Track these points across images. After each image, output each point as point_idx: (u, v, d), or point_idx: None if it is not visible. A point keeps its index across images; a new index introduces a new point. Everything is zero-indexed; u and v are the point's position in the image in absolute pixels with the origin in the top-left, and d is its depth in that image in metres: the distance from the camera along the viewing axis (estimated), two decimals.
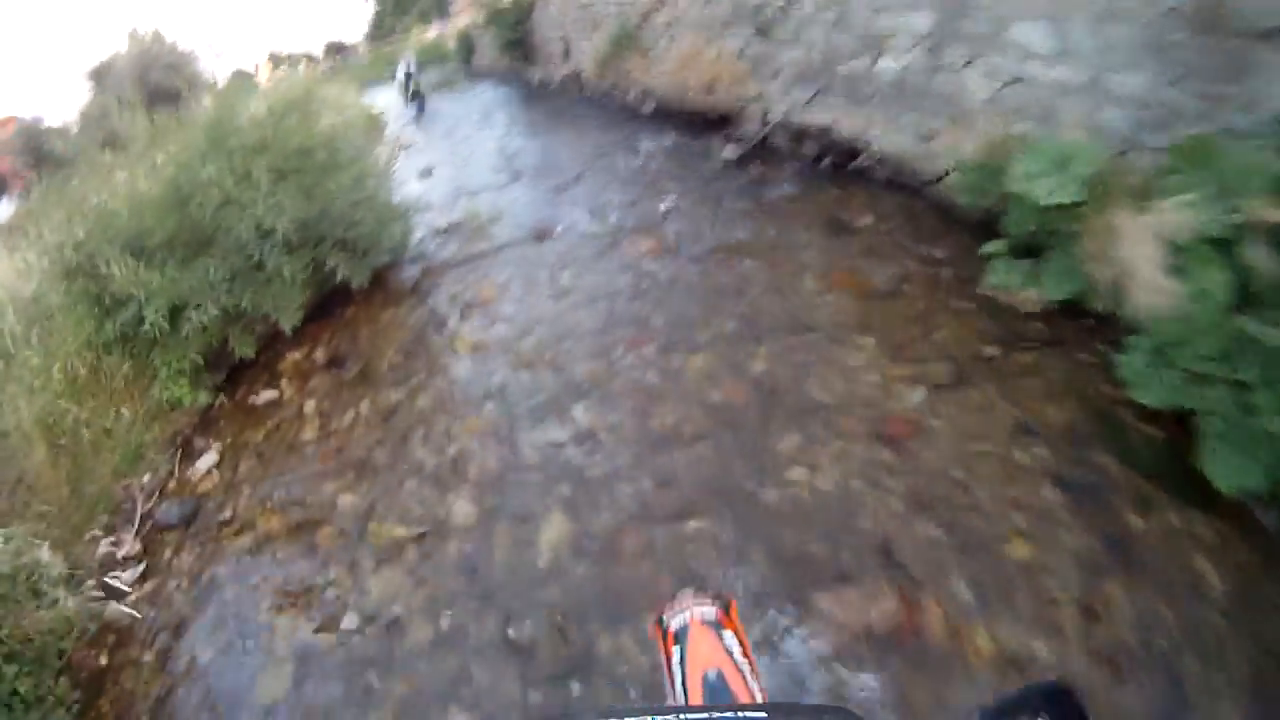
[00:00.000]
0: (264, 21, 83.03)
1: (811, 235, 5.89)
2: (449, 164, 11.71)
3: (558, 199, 8.36)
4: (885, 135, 6.33)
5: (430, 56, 26.19)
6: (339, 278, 6.45)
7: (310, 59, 39.37)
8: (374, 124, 11.21)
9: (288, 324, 5.93)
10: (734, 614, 1.55)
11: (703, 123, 9.03)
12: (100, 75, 22.40)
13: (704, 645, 1.43)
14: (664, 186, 7.64)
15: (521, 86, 17.43)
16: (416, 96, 17.09)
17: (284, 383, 5.90)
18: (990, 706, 0.81)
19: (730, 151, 8.04)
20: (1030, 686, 0.83)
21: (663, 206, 7.18)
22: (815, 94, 7.12)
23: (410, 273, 7.39)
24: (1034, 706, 0.80)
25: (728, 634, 1.47)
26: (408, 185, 9.11)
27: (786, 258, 5.61)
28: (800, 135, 7.41)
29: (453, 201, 9.40)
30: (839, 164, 6.87)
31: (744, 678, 1.37)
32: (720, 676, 1.35)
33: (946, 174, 5.58)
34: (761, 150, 7.86)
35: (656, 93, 10.52)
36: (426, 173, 11.41)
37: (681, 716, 1.06)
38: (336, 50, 44.92)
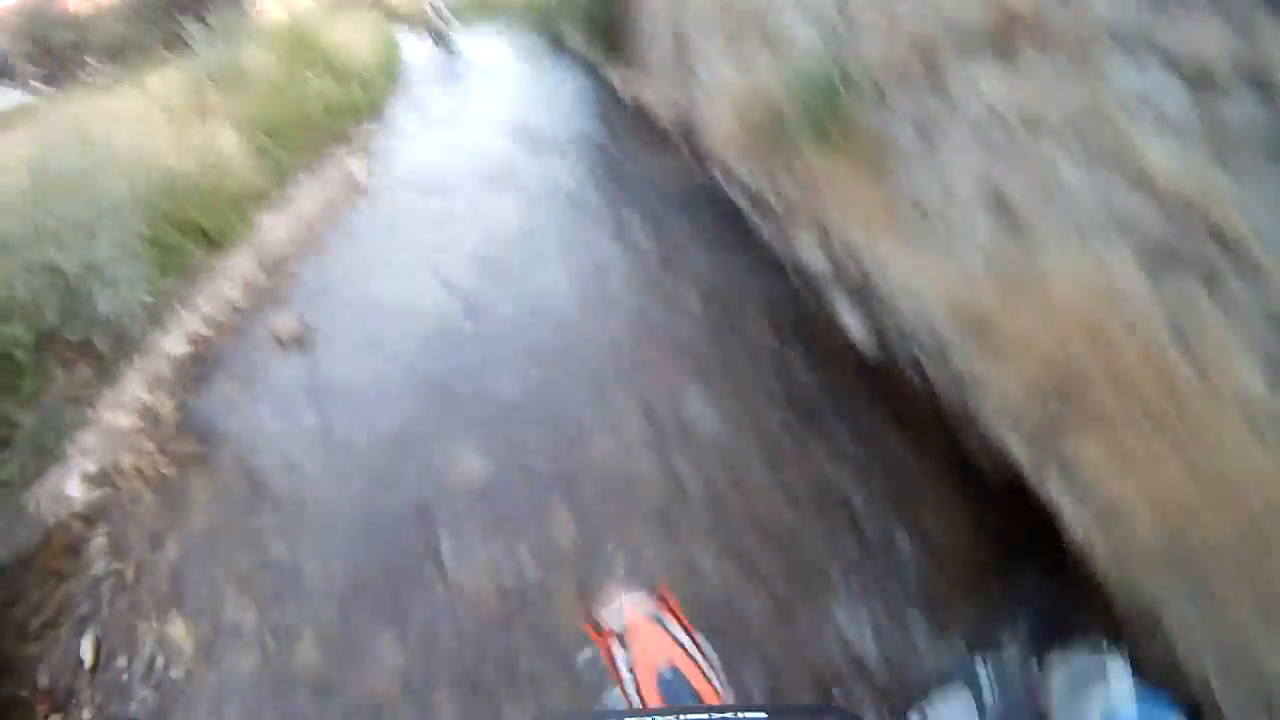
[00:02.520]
0: None
1: None
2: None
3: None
4: None
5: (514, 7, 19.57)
6: None
7: None
8: None
9: None
10: (674, 604, 1.42)
11: None
12: None
13: (651, 641, 1.29)
14: None
15: (597, 97, 10.72)
16: (448, 46, 15.65)
17: None
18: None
19: None
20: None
21: None
22: None
23: None
24: None
25: (672, 623, 1.34)
26: None
27: None
28: None
29: None
30: None
31: (701, 670, 1.25)
32: (676, 673, 1.22)
33: None
34: None
35: (888, 279, 3.79)
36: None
37: (682, 717, 0.98)
38: None
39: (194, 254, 5.79)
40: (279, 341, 5.00)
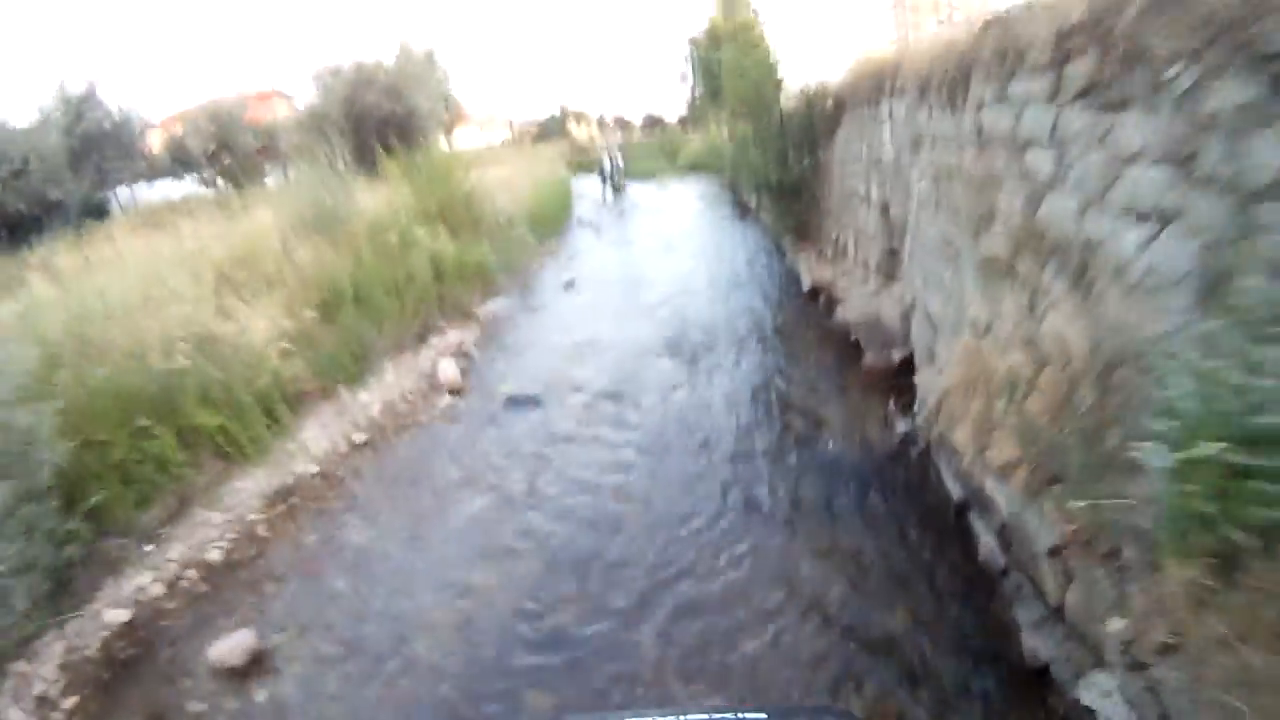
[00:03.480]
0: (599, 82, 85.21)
1: None
2: None
3: None
4: None
5: (706, 164, 18.99)
6: None
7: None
8: None
9: None
10: None
11: None
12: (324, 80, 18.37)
13: None
14: None
15: (776, 283, 8.65)
16: (617, 191, 16.03)
17: None
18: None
19: None
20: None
21: None
22: None
23: None
24: None
25: None
26: None
27: None
28: None
29: None
30: None
31: None
32: None
33: None
34: None
35: None
36: None
37: (682, 717, 1.00)
38: (652, 123, 43.91)
39: (186, 475, 4.21)
40: (227, 674, 3.00)
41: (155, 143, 18.46)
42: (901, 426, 4.22)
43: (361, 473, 4.72)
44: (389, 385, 6.09)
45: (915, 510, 3.56)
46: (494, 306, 8.37)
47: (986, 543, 2.96)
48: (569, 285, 9.50)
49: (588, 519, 3.92)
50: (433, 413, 5.58)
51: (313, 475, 4.60)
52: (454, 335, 7.20)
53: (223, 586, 3.66)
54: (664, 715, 1.10)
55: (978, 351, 3.09)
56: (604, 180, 16.45)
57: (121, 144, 16.10)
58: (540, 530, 3.84)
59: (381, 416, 5.53)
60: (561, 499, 4.15)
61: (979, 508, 3.07)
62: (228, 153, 17.27)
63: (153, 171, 17.34)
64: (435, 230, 8.90)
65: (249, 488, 4.42)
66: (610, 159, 16.22)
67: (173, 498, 4.28)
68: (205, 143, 17.59)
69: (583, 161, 20.74)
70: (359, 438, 5.16)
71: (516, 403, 5.62)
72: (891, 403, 4.58)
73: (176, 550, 3.91)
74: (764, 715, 0.88)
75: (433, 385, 6.02)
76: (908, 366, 5.03)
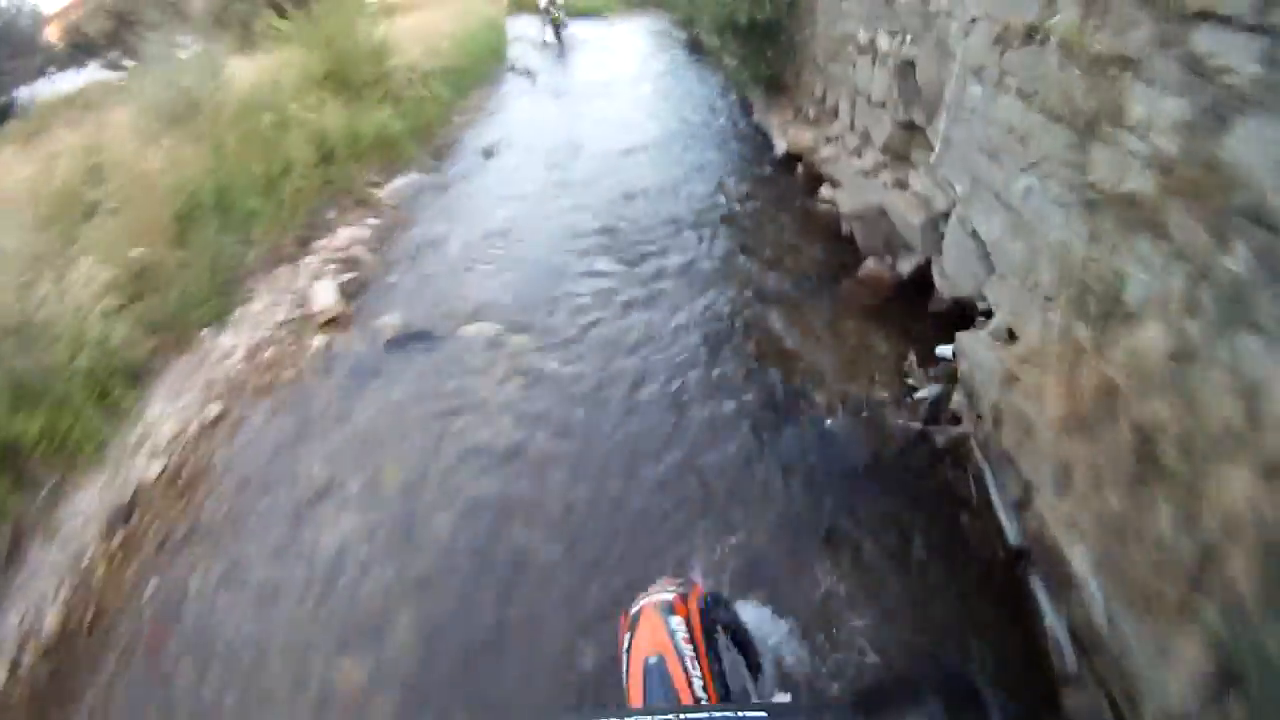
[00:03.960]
0: None
1: None
2: None
3: None
4: None
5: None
6: None
7: None
8: None
9: None
10: (693, 600, 1.59)
11: None
12: None
13: (649, 631, 1.48)
14: None
15: (742, 147, 7.41)
16: (557, 31, 14.14)
17: None
18: (863, 691, 1.04)
19: None
20: (911, 674, 1.05)
21: None
22: None
23: None
24: (915, 693, 0.89)
25: (675, 619, 1.51)
26: None
27: None
28: None
29: None
30: None
31: (683, 663, 1.40)
32: (661, 661, 1.40)
33: None
34: None
35: None
36: None
37: (681, 716, 0.99)
38: None
39: (10, 504, 3.21)
40: None
41: (54, 34, 15.75)
42: (924, 392, 3.27)
43: (211, 470, 3.66)
44: (257, 319, 4.89)
45: (953, 559, 2.63)
46: (399, 185, 6.93)
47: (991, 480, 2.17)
48: (489, 152, 7.99)
49: (481, 551, 2.94)
50: (303, 361, 4.40)
51: (156, 479, 3.55)
52: (344, 234, 5.86)
53: (66, 672, 2.79)
54: (664, 714, 0.99)
55: (1083, 353, 2.08)
56: (544, 20, 14.15)
57: (14, 42, 13.76)
58: (426, 580, 2.85)
59: (243, 371, 4.39)
60: (455, 518, 3.13)
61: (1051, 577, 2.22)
62: (129, 30, 15.04)
63: (54, 65, 14.83)
64: (326, 99, 7.21)
65: (85, 508, 3.39)
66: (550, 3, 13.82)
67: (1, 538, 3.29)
68: (103, 23, 15.04)
69: (524, 1, 17.92)
70: (213, 410, 4.05)
71: (402, 344, 4.46)
72: (912, 356, 3.59)
73: (12, 620, 2.99)
74: (764, 714, 0.83)
75: (308, 316, 4.80)
76: (923, 281, 4.04)
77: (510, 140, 8.33)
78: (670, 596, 1.56)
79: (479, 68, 11.44)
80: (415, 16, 12.63)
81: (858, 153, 5.36)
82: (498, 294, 4.90)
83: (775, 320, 4.29)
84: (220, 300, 4.91)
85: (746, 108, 8.22)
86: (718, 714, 0.87)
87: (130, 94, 6.31)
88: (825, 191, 5.74)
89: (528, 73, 12.15)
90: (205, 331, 4.70)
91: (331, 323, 4.73)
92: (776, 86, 7.08)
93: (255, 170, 5.64)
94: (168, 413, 4.01)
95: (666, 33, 14.39)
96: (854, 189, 5.00)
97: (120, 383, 3.95)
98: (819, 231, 5.33)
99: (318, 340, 4.56)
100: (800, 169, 6.37)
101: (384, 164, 7.12)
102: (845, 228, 5.05)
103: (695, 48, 12.72)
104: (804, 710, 1.17)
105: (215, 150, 5.59)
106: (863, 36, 4.84)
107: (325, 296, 4.84)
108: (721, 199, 6.11)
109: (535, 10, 14.87)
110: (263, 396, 4.17)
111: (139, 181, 5.23)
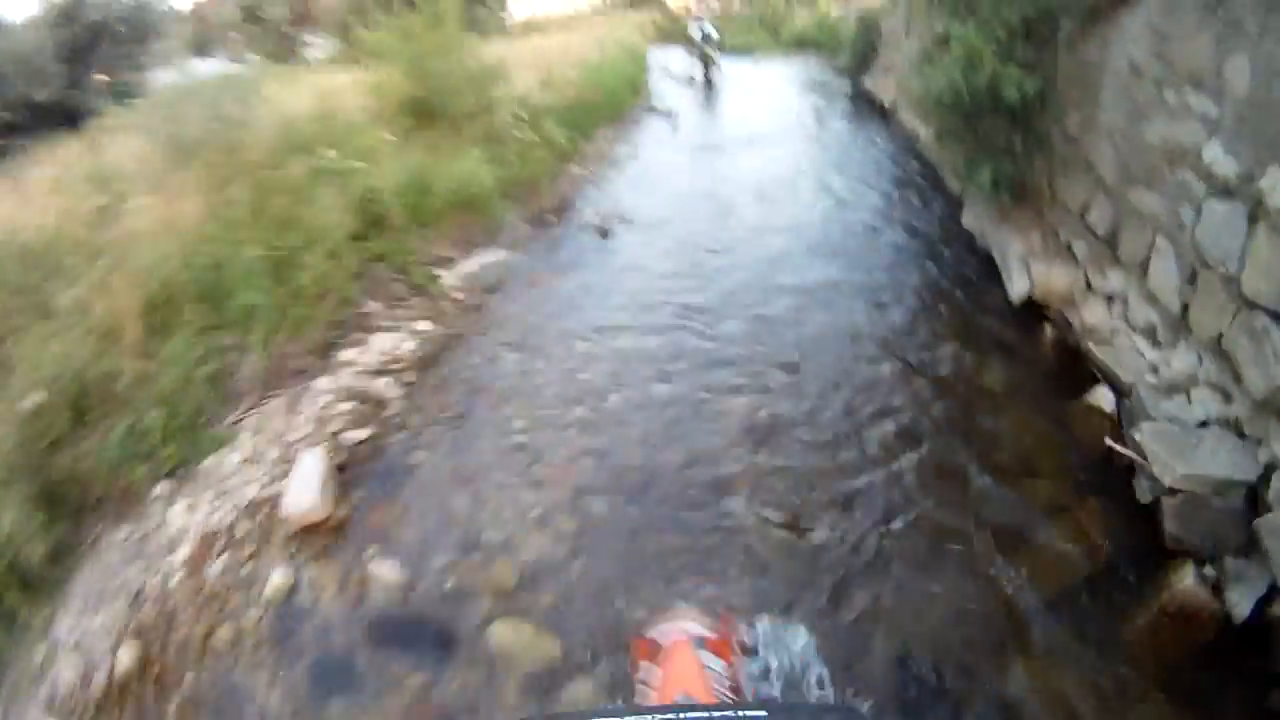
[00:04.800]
0: None
1: None
2: None
3: None
4: None
5: (816, 41, 14.80)
6: None
7: None
8: None
9: None
10: (726, 628, 1.57)
11: None
12: None
13: (682, 668, 1.34)
14: None
15: (951, 300, 5.11)
16: (707, 68, 12.41)
17: None
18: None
19: None
20: (816, 705, 0.92)
21: None
22: None
23: None
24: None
25: (707, 654, 1.40)
26: None
27: None
28: None
29: None
30: None
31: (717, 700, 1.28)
32: (688, 702, 1.23)
33: None
34: None
35: None
36: None
37: (681, 716, 0.93)
38: None
39: None
40: None
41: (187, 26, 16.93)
42: None
43: None
44: (225, 483, 3.25)
45: None
46: (475, 267, 5.13)
47: None
48: (605, 230, 6.10)
49: None
50: (248, 616, 2.64)
51: None
52: (380, 344, 4.12)
53: None
54: (663, 714, 0.97)
55: None
56: (692, 54, 12.71)
57: (138, 31, 13.35)
58: None
59: (181, 591, 2.75)
60: None
61: None
62: (256, 25, 15.16)
63: (179, 54, 14.94)
64: (404, 135, 5.70)
65: None
66: (701, 30, 12.36)
67: None
68: (230, 15, 15.79)
69: (671, 31, 16.74)
70: (125, 658, 2.54)
71: (392, 633, 2.56)
72: None
73: None
74: (764, 713, 0.79)
75: (278, 515, 3.06)
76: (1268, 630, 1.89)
77: (635, 212, 6.45)
78: (699, 630, 1.46)
79: (611, 104, 9.86)
80: (544, 39, 11.44)
81: (1154, 336, 3.13)
82: (563, 539, 2.89)
83: (1010, 680, 2.12)
84: (188, 440, 3.35)
85: (949, 199, 6.00)
86: (718, 714, 0.79)
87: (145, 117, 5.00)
88: (1100, 399, 3.45)
89: (668, 115, 10.52)
90: (160, 488, 3.21)
91: (311, 530, 2.99)
92: (1018, 191, 4.81)
93: (271, 240, 4.09)
94: (73, 640, 2.62)
95: (826, 83, 12.46)
96: (1172, 443, 2.72)
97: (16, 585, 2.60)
98: (1085, 473, 3.07)
99: (278, 576, 2.79)
100: (1048, 334, 4.14)
101: (463, 230, 5.41)
102: (1143, 489, 2.81)
103: (862, 98, 10.80)
104: (805, 710, 1.04)
105: (216, 210, 4.10)
106: (1218, 161, 2.64)
107: (306, 489, 3.05)
108: (925, 358, 3.95)
109: (683, 40, 13.68)
110: (184, 660, 2.49)
111: (113, 248, 3.83)
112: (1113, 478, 2.97)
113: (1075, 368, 3.82)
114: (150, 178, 4.59)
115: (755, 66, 14.16)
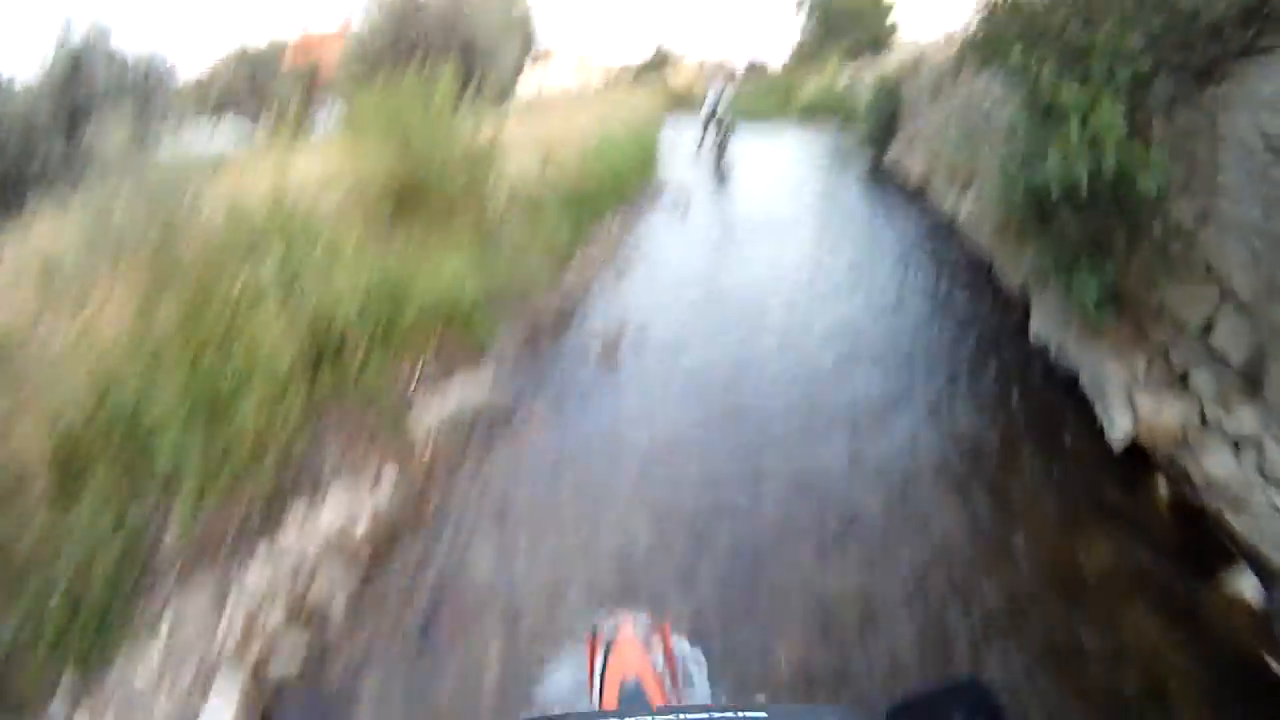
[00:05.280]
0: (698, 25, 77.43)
1: None
2: None
3: None
4: None
5: (827, 108, 14.49)
6: None
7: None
8: None
9: None
10: (666, 630, 1.59)
11: None
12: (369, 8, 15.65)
13: (628, 654, 1.41)
14: None
15: (1032, 447, 4.18)
16: (720, 139, 11.96)
17: None
18: (899, 703, 0.80)
19: None
20: (943, 684, 0.81)
21: None
22: None
23: None
24: (946, 705, 0.77)
25: (656, 646, 1.47)
26: None
27: None
28: None
29: None
30: None
31: (662, 686, 1.35)
32: (638, 684, 1.33)
33: None
34: None
35: None
36: None
37: (681, 716, 0.96)
38: (753, 69, 36.56)
39: None
40: None
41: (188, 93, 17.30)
42: None
43: None
44: (135, 696, 2.38)
45: None
46: (452, 405, 4.26)
47: None
48: (607, 352, 5.18)
49: None
50: None
51: None
52: (331, 512, 3.23)
53: None
54: (663, 714, 1.02)
55: None
56: (704, 122, 12.44)
57: (138, 98, 13.04)
58: None
59: None
60: None
61: None
62: (256, 98, 15.74)
63: (185, 122, 15.22)
64: (377, 228, 4.99)
65: None
66: (717, 96, 12.07)
67: None
68: (234, 85, 16.71)
69: (685, 98, 16.65)
70: None
71: None
72: None
73: None
74: (764, 714, 0.78)
75: None
76: None
77: (644, 329, 5.51)
78: (645, 623, 1.52)
79: (617, 187, 9.24)
80: (548, 117, 11.04)
81: None
82: None
83: None
84: (96, 631, 2.55)
85: (1005, 301, 5.17)
86: (718, 714, 0.78)
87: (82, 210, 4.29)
88: (1243, 586, 2.57)
89: (680, 199, 9.89)
90: (55, 706, 2.40)
91: None
92: (1119, 301, 3.93)
93: (206, 368, 3.30)
94: None
95: (844, 153, 11.94)
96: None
97: None
98: (1234, 697, 2.16)
99: None
100: (1162, 491, 3.24)
101: (442, 352, 4.58)
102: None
103: (884, 172, 10.26)
104: (805, 711, 1.03)
105: (143, 327, 3.34)
106: None
107: None
108: (1011, 536, 3.03)
109: (695, 108, 13.49)
110: None
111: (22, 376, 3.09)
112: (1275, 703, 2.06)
113: (1202, 539, 2.93)
114: (81, 278, 3.89)
115: (767, 135, 13.77)
